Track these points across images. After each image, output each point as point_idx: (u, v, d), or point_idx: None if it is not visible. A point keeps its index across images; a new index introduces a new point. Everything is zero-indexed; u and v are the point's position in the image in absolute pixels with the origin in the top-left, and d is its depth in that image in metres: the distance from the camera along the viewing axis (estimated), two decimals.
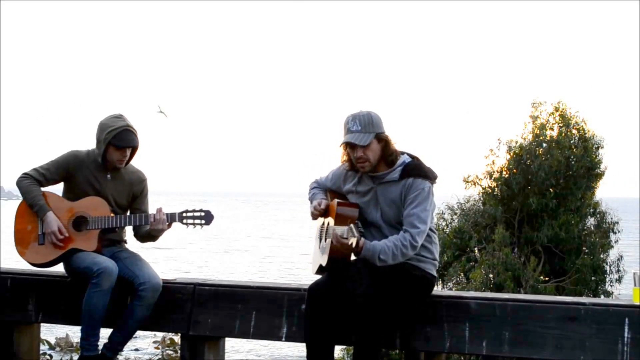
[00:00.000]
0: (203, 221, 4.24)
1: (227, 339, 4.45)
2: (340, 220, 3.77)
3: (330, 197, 4.00)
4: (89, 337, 4.15)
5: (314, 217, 4.01)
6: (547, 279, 15.54)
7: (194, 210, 4.25)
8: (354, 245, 3.55)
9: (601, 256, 15.75)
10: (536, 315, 3.78)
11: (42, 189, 4.31)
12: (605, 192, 17.55)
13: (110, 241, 4.37)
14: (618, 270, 15.96)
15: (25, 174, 4.29)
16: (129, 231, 4.49)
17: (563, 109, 16.52)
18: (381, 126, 3.78)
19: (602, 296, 15.19)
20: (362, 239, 3.62)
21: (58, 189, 4.36)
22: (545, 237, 15.31)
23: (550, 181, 15.62)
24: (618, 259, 16.05)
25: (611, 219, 16.36)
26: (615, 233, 16.29)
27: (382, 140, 3.77)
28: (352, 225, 3.55)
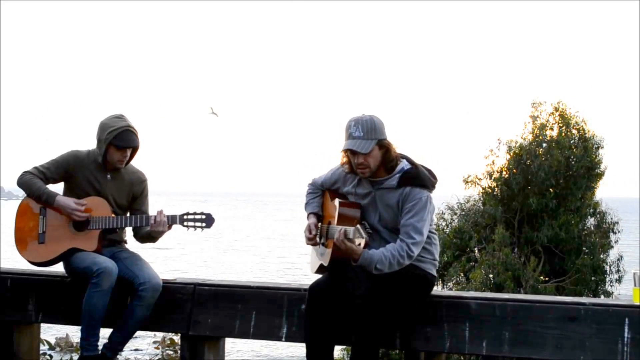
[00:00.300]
0: (204, 224, 4.23)
1: (227, 339, 4.45)
2: (343, 220, 3.74)
3: (330, 197, 3.99)
4: (89, 337, 4.15)
5: (309, 243, 3.97)
6: (547, 279, 15.55)
7: (194, 213, 4.23)
8: (362, 245, 3.53)
9: (601, 256, 15.77)
10: (536, 315, 3.77)
11: None
12: (605, 192, 17.57)
13: (110, 241, 4.37)
14: (618, 270, 15.96)
15: (26, 171, 4.30)
16: (128, 231, 4.49)
17: (563, 109, 16.54)
18: (383, 132, 3.73)
19: (602, 296, 15.20)
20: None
21: (58, 189, 4.35)
22: (545, 237, 15.31)
23: (550, 181, 15.62)
24: (618, 259, 16.06)
25: (611, 219, 16.37)
26: (615, 233, 16.30)
27: (384, 147, 3.72)
28: (359, 225, 3.50)
